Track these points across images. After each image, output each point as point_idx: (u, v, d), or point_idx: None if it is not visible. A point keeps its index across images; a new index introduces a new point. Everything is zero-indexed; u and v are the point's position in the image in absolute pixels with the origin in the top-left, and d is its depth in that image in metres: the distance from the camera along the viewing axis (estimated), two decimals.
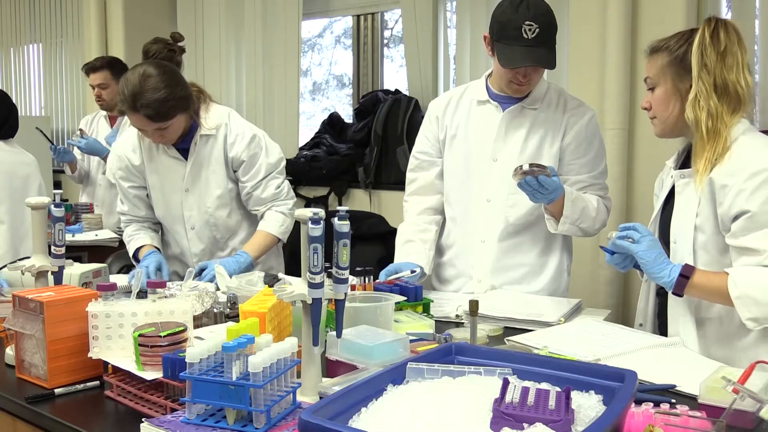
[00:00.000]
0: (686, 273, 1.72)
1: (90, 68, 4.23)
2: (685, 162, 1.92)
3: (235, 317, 1.90)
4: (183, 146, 2.53)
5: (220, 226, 2.61)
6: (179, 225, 2.61)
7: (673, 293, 1.74)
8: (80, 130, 4.25)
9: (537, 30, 2.08)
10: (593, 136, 2.29)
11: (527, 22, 2.08)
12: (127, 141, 2.62)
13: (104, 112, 4.36)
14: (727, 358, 1.75)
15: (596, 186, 2.29)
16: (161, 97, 2.30)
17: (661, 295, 1.94)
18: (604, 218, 2.28)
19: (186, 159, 2.54)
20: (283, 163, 2.69)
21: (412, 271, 2.21)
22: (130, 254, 2.64)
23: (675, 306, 1.86)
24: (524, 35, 2.08)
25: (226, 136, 2.54)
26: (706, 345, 1.81)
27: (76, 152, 4.30)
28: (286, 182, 2.68)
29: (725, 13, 3.15)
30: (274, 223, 2.59)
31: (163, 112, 2.32)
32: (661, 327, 1.96)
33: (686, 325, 1.83)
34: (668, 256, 1.86)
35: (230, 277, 2.25)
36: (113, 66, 4.24)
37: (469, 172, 2.34)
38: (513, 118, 2.28)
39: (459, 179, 2.36)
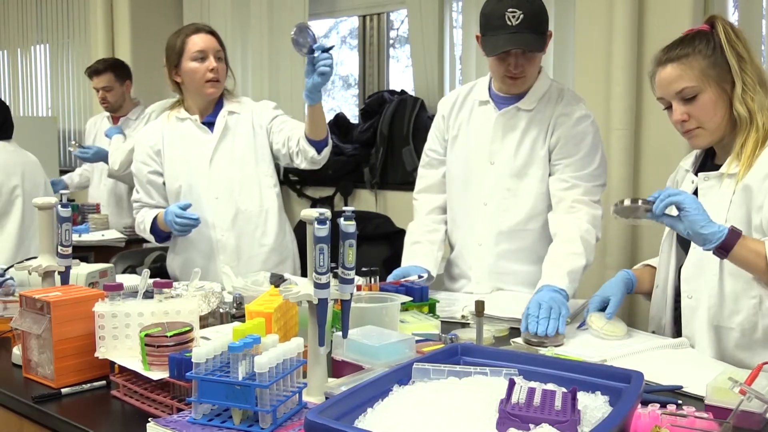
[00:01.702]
0: (737, 232, 1.59)
1: (93, 72, 4.25)
2: (702, 163, 1.88)
3: (241, 317, 1.90)
4: (209, 120, 2.64)
5: (245, 196, 2.63)
6: (203, 194, 2.61)
7: (718, 249, 1.58)
8: (74, 141, 4.27)
9: (521, 16, 2.06)
10: (582, 135, 2.20)
11: (510, 10, 2.06)
12: (149, 127, 2.74)
13: (107, 113, 4.39)
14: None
15: (581, 189, 2.17)
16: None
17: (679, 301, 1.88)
18: (592, 250, 2.14)
19: (212, 132, 2.63)
20: None
21: (420, 276, 2.20)
22: (147, 231, 2.61)
23: (691, 313, 1.81)
24: (508, 23, 2.06)
25: (252, 111, 2.69)
26: (723, 355, 1.76)
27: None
28: None
29: (732, 14, 3.14)
30: None
31: (220, 38, 2.64)
32: (677, 334, 1.90)
33: (702, 333, 1.78)
34: (684, 260, 1.83)
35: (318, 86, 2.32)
36: (116, 68, 4.27)
37: (468, 174, 2.33)
38: (507, 119, 2.27)
39: (459, 181, 2.36)
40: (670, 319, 1.90)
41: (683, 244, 1.86)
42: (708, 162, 1.87)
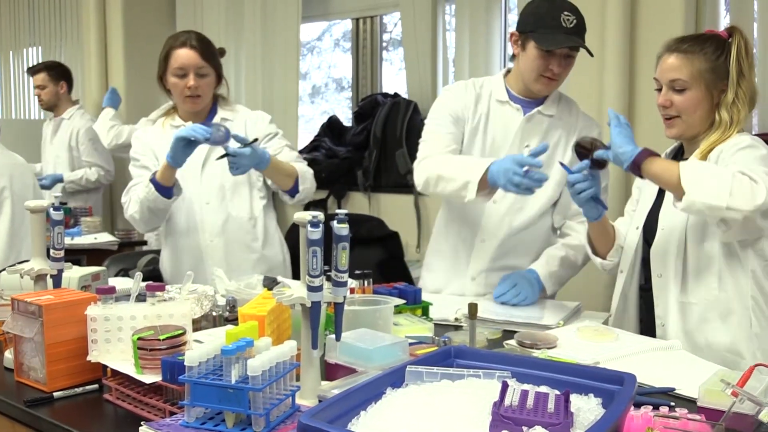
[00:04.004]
0: (650, 151, 1.81)
1: (31, 71, 4.77)
2: (673, 159, 2.02)
3: (234, 320, 1.90)
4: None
5: (235, 202, 2.63)
6: (195, 199, 2.61)
7: (632, 165, 1.80)
8: None
9: (575, 21, 2.15)
10: None
11: (566, 13, 2.15)
12: (150, 130, 2.71)
13: (51, 117, 4.82)
14: (708, 344, 1.86)
15: None
16: (206, 39, 2.64)
17: (645, 289, 2.01)
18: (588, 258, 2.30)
19: None
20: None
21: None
22: (147, 187, 2.45)
23: (660, 291, 1.94)
24: (563, 24, 2.14)
25: (246, 121, 2.68)
26: (688, 331, 1.89)
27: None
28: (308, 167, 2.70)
29: (724, 17, 3.15)
30: (301, 165, 2.63)
31: (208, 52, 2.59)
32: (642, 324, 2.03)
33: (671, 310, 1.91)
34: (649, 247, 1.97)
35: (244, 150, 2.32)
36: (51, 69, 4.75)
37: None
38: (533, 125, 2.30)
39: None
40: (635, 303, 2.04)
41: (649, 227, 1.99)
42: (678, 159, 2.02)
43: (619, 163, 1.84)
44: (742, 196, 1.64)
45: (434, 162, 2.24)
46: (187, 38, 2.58)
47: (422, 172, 2.25)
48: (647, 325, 2.00)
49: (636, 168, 1.80)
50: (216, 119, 2.64)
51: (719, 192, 1.66)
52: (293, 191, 2.59)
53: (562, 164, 2.02)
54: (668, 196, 1.95)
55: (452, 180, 2.14)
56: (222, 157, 2.33)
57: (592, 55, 2.22)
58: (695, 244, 1.88)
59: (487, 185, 2.09)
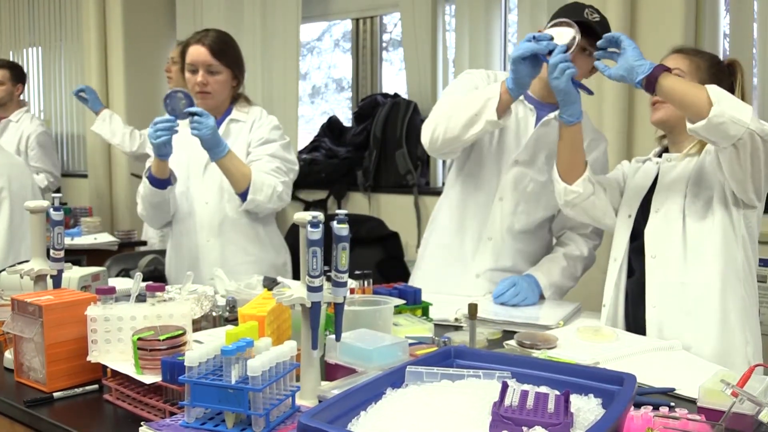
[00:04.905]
0: (666, 66, 1.81)
1: None
2: (659, 156, 2.09)
3: (234, 321, 1.90)
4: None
5: (233, 204, 2.63)
6: (196, 198, 2.64)
7: (649, 77, 1.77)
8: None
9: (598, 18, 2.14)
10: (605, 165, 2.34)
11: (590, 8, 2.14)
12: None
13: None
14: (701, 321, 1.87)
15: None
16: (225, 38, 2.67)
17: (631, 284, 2.04)
18: (586, 267, 2.39)
19: None
20: (295, 168, 2.71)
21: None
22: (144, 182, 2.57)
23: (654, 272, 1.95)
24: (586, 16, 2.13)
25: (252, 122, 2.69)
26: (685, 309, 1.90)
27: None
28: (287, 184, 2.65)
29: (724, 16, 3.15)
30: (258, 174, 2.56)
31: (220, 50, 2.61)
32: (628, 313, 2.04)
33: (670, 288, 1.92)
34: (643, 231, 1.98)
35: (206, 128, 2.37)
36: (13, 68, 4.75)
37: (489, 166, 2.33)
38: (547, 131, 2.28)
39: (479, 172, 2.35)
40: (622, 296, 2.06)
41: (643, 211, 2.00)
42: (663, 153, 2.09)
43: (632, 75, 1.80)
44: (758, 122, 1.70)
45: (458, 102, 2.18)
46: (203, 36, 2.61)
47: (430, 118, 2.21)
48: (633, 314, 2.01)
49: (651, 81, 1.78)
50: (226, 120, 2.65)
51: (745, 110, 1.70)
52: (242, 196, 2.57)
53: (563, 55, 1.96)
54: (664, 181, 1.98)
55: (466, 106, 2.10)
56: (189, 114, 2.36)
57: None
58: (696, 222, 1.90)
59: (504, 108, 2.06)
